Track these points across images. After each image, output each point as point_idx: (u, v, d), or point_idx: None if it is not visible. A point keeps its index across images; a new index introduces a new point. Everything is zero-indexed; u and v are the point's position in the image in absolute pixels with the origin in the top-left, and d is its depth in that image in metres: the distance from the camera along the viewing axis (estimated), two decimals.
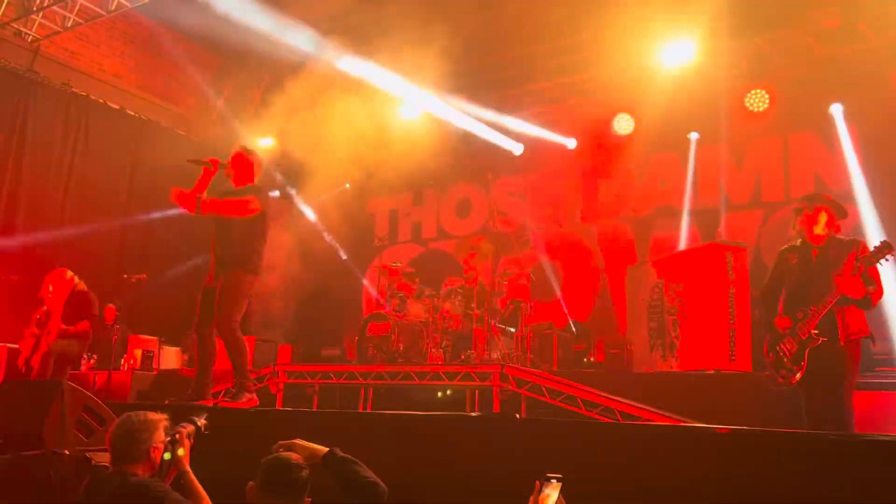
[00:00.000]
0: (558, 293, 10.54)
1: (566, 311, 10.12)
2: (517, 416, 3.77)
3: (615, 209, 10.58)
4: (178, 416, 3.15)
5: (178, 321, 9.82)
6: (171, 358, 9.32)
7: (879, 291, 4.31)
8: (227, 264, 5.31)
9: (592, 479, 2.99)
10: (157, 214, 10.11)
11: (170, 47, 11.43)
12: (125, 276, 8.08)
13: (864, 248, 4.35)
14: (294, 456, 2.57)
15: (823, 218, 4.52)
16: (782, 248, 4.81)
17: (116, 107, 10.51)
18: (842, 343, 4.29)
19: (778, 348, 4.53)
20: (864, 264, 4.22)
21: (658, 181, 10.25)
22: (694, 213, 9.77)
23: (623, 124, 9.62)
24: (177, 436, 2.98)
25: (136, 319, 9.27)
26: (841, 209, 4.62)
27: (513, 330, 8.30)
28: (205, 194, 5.30)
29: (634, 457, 3.16)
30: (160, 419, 3.00)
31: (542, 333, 8.60)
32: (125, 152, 10.12)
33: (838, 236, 4.56)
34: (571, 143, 10.62)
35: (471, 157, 11.09)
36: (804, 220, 4.56)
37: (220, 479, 2.98)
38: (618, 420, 5.81)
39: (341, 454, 2.62)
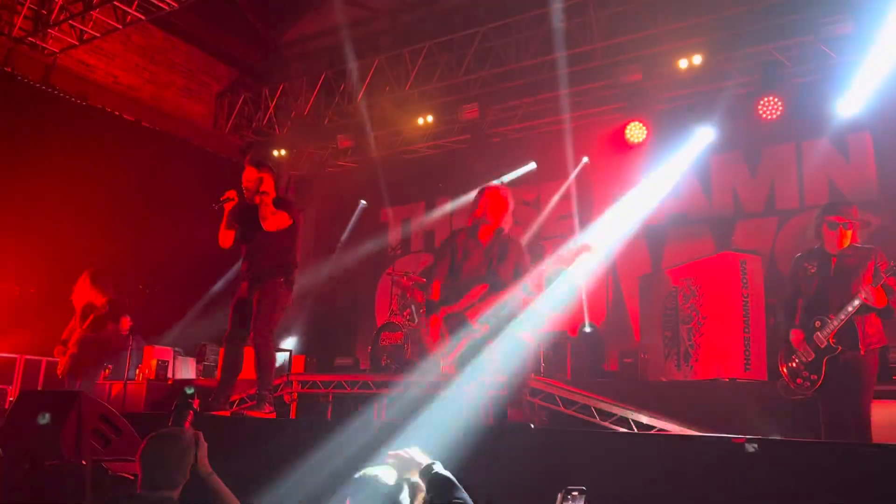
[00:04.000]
0: (571, 302, 10.49)
1: (585, 317, 10.09)
2: (532, 425, 3.76)
3: (629, 217, 10.54)
4: (196, 425, 3.16)
5: (194, 332, 9.90)
6: (186, 368, 9.36)
7: None
8: (264, 277, 5.35)
9: (607, 488, 2.97)
10: (172, 225, 10.16)
11: (184, 59, 11.56)
12: (141, 286, 8.13)
13: (883, 256, 4.32)
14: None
15: (850, 233, 4.49)
16: (798, 255, 4.77)
17: (132, 119, 10.61)
18: (861, 352, 4.25)
19: (795, 357, 4.50)
20: (887, 274, 4.19)
21: (672, 189, 10.21)
22: (708, 222, 9.73)
23: (636, 132, 9.59)
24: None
25: (152, 330, 9.32)
26: (866, 222, 4.60)
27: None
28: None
29: (649, 466, 3.15)
30: (197, 434, 2.90)
31: (556, 342, 8.57)
32: (140, 164, 10.20)
33: (856, 244, 4.52)
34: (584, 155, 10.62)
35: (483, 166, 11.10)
36: (835, 235, 4.50)
37: (240, 486, 2.99)
38: (632, 430, 5.79)
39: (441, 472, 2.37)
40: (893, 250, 4.43)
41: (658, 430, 5.67)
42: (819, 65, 8.68)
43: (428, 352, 4.90)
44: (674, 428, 5.67)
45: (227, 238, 5.52)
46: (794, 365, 4.50)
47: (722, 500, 2.92)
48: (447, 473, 2.35)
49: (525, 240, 9.26)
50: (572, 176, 10.69)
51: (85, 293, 6.97)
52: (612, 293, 10.13)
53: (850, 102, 8.38)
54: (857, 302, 4.21)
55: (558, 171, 10.97)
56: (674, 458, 3.17)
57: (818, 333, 4.35)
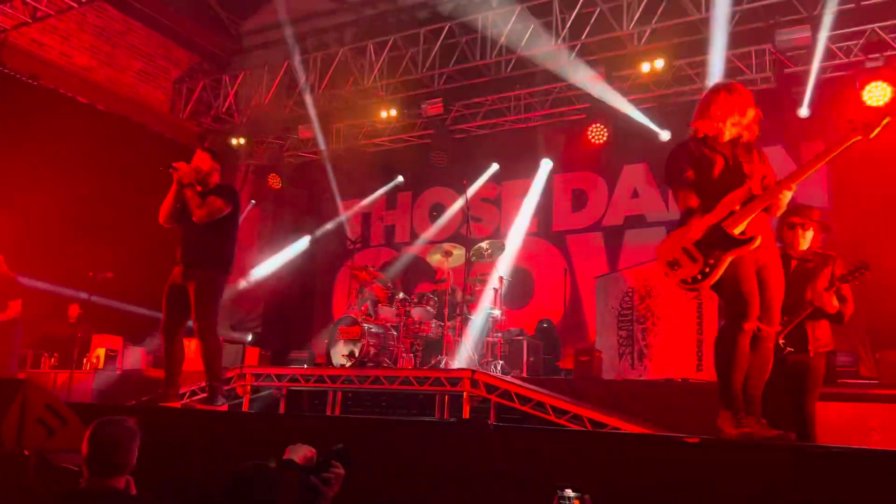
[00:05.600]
0: (529, 300, 10.58)
1: (538, 317, 10.17)
2: (490, 423, 3.76)
3: (587, 218, 10.65)
4: (146, 417, 3.09)
5: (144, 321, 9.68)
6: (135, 358, 9.16)
7: (850, 308, 4.39)
8: (199, 264, 5.24)
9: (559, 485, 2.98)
10: (124, 211, 9.92)
11: (142, 42, 11.27)
12: (91, 273, 7.90)
13: (840, 264, 4.43)
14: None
15: (810, 234, 4.59)
16: None
17: (86, 101, 10.32)
18: (811, 355, 4.37)
19: None
20: (839, 281, 4.31)
21: (630, 190, 10.35)
22: (665, 224, 9.87)
23: (597, 133, 9.67)
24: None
25: (101, 318, 9.08)
26: (825, 226, 4.70)
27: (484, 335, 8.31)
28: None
29: (603, 465, 3.17)
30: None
31: (513, 340, 8.61)
32: (94, 148, 9.92)
33: (816, 250, 4.63)
34: (547, 160, 10.73)
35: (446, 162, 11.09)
36: (793, 235, 4.60)
37: (190, 479, 2.93)
38: (587, 427, 5.84)
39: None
40: (844, 258, 4.55)
41: (611, 429, 5.73)
42: (775, 73, 8.87)
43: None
44: (627, 427, 5.73)
45: (167, 213, 5.38)
46: None
47: (671, 500, 2.95)
48: (305, 474, 2.23)
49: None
50: (536, 180, 10.78)
51: None
52: (569, 292, 10.22)
53: (804, 111, 8.60)
54: (808, 306, 4.32)
55: (520, 169, 11.05)
56: (626, 457, 3.19)
57: None
